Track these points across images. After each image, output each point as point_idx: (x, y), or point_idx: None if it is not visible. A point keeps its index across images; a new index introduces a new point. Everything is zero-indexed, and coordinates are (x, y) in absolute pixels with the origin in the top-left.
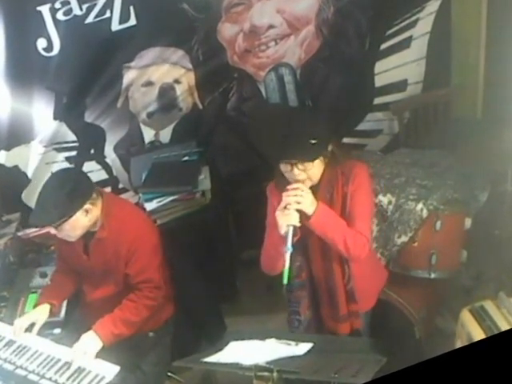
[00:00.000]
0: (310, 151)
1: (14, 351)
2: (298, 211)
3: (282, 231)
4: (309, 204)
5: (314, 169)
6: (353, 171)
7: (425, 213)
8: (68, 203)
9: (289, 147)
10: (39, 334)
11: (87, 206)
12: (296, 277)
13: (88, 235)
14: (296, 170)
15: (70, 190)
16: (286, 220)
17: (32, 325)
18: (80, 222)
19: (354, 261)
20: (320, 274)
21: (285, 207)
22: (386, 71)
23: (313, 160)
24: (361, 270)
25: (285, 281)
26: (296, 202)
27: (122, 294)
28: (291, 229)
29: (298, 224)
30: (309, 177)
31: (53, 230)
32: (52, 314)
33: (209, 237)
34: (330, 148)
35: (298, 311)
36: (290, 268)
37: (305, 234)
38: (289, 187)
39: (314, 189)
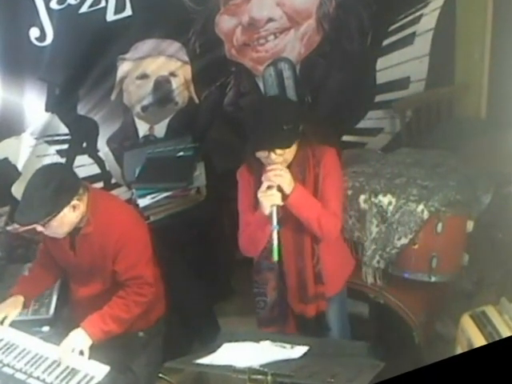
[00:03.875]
0: (286, 138)
1: (1, 349)
2: (279, 191)
3: (267, 212)
4: (287, 183)
5: (289, 152)
6: (324, 155)
7: (426, 214)
8: (55, 200)
9: (264, 136)
10: (28, 331)
11: (74, 202)
12: (265, 258)
13: (74, 231)
14: (273, 155)
15: (56, 185)
16: (270, 200)
17: (4, 318)
18: (67, 218)
19: (326, 240)
20: (290, 255)
21: (267, 188)
22: (388, 68)
23: (290, 146)
24: (329, 252)
25: (275, 257)
26: (277, 181)
27: (111, 292)
28: (275, 208)
29: (281, 203)
30: (284, 159)
31: (40, 228)
32: (25, 307)
33: (203, 235)
34: (300, 128)
35: (264, 292)
36: (279, 244)
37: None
38: (268, 168)
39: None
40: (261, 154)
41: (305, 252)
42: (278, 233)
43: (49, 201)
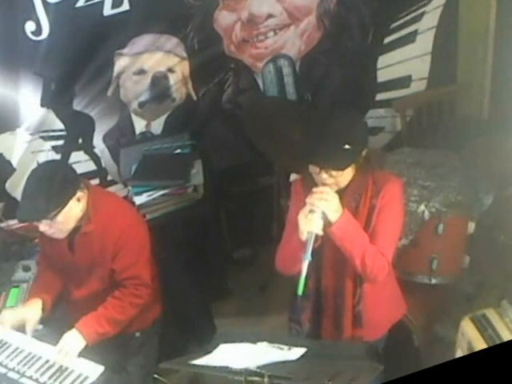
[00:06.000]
0: (342, 159)
1: None
2: (322, 218)
3: (303, 238)
4: (334, 210)
5: (344, 175)
6: (385, 185)
7: (426, 215)
8: (61, 192)
9: (320, 151)
10: (20, 330)
11: (79, 193)
12: None
13: (73, 231)
14: (324, 174)
15: (61, 179)
16: (308, 226)
17: (24, 323)
18: (73, 211)
19: (369, 281)
20: (329, 289)
21: (309, 211)
22: (389, 66)
23: (343, 169)
24: (375, 292)
25: (299, 291)
26: (321, 206)
27: (107, 292)
28: (313, 236)
29: (321, 232)
30: (336, 182)
31: (43, 227)
32: (44, 311)
33: (200, 234)
34: (364, 153)
35: (298, 320)
36: (307, 278)
37: (322, 241)
38: (314, 189)
39: (340, 194)
40: (312, 169)
41: (345, 288)
42: (310, 264)
43: (55, 194)
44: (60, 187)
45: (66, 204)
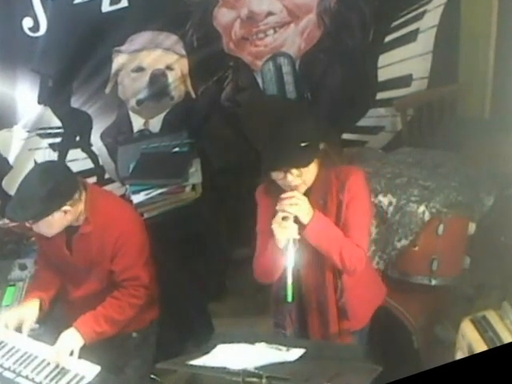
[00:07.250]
0: (303, 156)
1: None
2: (296, 222)
3: (281, 245)
4: (305, 213)
5: (309, 173)
6: (349, 178)
7: (427, 216)
8: (46, 203)
9: (279, 154)
10: (17, 329)
11: (66, 207)
12: (283, 289)
13: (71, 230)
14: (290, 177)
15: (50, 188)
16: (284, 233)
17: (21, 322)
18: (56, 221)
19: (349, 274)
20: (311, 287)
21: (282, 218)
22: (390, 65)
23: (308, 165)
24: (355, 284)
25: (289, 298)
26: (293, 211)
27: (105, 292)
28: (291, 242)
29: (298, 236)
30: (304, 181)
31: (28, 224)
32: (42, 310)
33: (198, 233)
34: (321, 146)
35: (283, 324)
36: (294, 283)
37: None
38: (283, 196)
39: (307, 194)
40: (276, 176)
41: (327, 285)
42: (294, 270)
43: (39, 203)
44: (45, 198)
45: (46, 216)
